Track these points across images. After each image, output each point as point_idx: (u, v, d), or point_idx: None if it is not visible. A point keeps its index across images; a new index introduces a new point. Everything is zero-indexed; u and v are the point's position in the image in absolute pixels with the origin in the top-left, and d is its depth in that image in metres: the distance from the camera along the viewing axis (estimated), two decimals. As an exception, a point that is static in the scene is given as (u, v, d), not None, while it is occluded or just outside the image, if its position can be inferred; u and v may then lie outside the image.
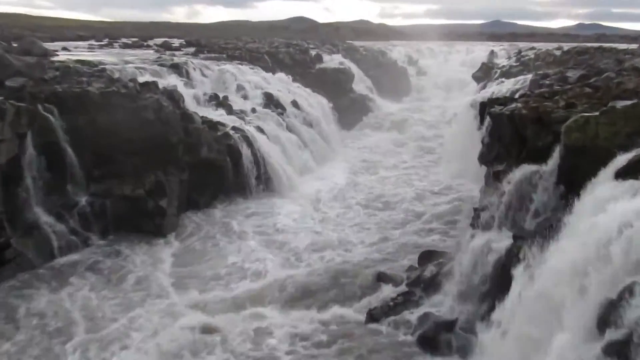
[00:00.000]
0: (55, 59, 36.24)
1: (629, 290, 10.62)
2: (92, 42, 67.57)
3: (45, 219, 24.49)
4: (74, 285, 22.16)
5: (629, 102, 18.54)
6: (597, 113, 17.93)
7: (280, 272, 23.62)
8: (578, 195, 15.15)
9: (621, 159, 14.59)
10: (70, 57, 39.53)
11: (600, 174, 14.96)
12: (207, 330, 19.15)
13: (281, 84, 47.36)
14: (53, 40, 61.02)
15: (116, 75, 32.77)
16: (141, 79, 33.07)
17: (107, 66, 34.65)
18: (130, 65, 37.52)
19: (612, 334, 10.60)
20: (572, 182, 16.86)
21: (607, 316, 10.91)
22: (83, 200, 26.20)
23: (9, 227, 22.18)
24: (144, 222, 26.90)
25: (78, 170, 26.16)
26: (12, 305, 20.27)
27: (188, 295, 21.79)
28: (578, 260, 12.64)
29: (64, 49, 48.96)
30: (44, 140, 24.85)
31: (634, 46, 65.72)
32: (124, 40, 71.43)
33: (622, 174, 14.05)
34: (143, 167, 27.46)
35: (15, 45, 40.70)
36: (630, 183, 13.43)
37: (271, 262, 24.64)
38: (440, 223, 29.13)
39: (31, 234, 23.60)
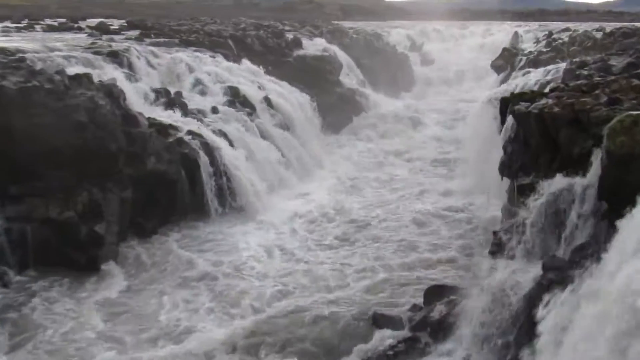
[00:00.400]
0: (-40, 45, 36.13)
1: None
2: (8, 23, 67.09)
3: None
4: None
5: (688, 98, 18.78)
6: (650, 112, 18.13)
7: (246, 316, 23.60)
8: (625, 213, 15.27)
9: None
10: (-21, 43, 39.41)
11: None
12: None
13: (250, 77, 47.39)
14: (-42, 22, 61.08)
15: (39, 66, 32.42)
16: (71, 71, 32.70)
17: (26, 55, 34.37)
18: (56, 53, 37.19)
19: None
20: (617, 199, 16.98)
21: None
22: (-4, 225, 26.09)
23: None
24: (74, 253, 26.69)
25: (-11, 188, 26.06)
26: None
27: (127, 340, 21.73)
28: (627, 299, 12.74)
29: (-28, 33, 48.93)
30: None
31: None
32: (49, 21, 71.23)
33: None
34: (74, 183, 27.34)
35: None
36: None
37: (237, 303, 24.60)
38: (451, 251, 29.13)
39: None
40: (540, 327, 15.95)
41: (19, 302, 24.20)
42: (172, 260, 28.55)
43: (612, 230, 15.56)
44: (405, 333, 21.03)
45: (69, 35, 54.11)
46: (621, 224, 14.97)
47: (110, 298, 25.18)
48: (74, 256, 26.65)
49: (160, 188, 30.87)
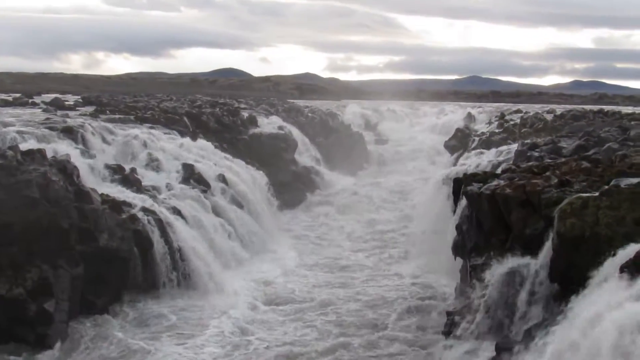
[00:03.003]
0: None
1: None
2: (-40, 98, 67.05)
3: None
4: None
5: (635, 180, 19.12)
6: (597, 194, 18.46)
7: None
8: (576, 295, 15.43)
9: (627, 252, 14.96)
10: None
11: (603, 269, 15.29)
12: None
13: (204, 154, 47.43)
14: None
15: (-9, 141, 32.47)
16: (24, 147, 32.65)
17: (-21, 130, 34.39)
18: (10, 128, 37.09)
19: None
20: (568, 280, 17.17)
21: None
22: (-57, 301, 25.71)
23: None
24: (23, 330, 26.33)
25: (-63, 264, 25.74)
26: None
27: None
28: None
29: None
30: None
31: (640, 110, 67.84)
32: (3, 96, 70.93)
33: (629, 269, 14.35)
34: (24, 260, 27.03)
35: None
36: (638, 283, 13.74)
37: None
38: (406, 332, 29.12)
39: None
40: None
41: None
42: (120, 342, 27.58)
43: (563, 310, 15.72)
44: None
45: (23, 111, 54.01)
46: (572, 304, 15.15)
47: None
48: (23, 334, 26.26)
49: (112, 265, 30.57)
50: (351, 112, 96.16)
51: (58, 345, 26.81)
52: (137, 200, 34.53)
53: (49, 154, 32.54)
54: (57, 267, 28.03)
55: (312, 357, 26.63)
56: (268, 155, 56.55)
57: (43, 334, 26.64)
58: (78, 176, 32.14)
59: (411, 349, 26.97)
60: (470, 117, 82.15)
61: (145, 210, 33.61)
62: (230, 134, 57.49)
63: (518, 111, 79.39)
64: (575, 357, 13.26)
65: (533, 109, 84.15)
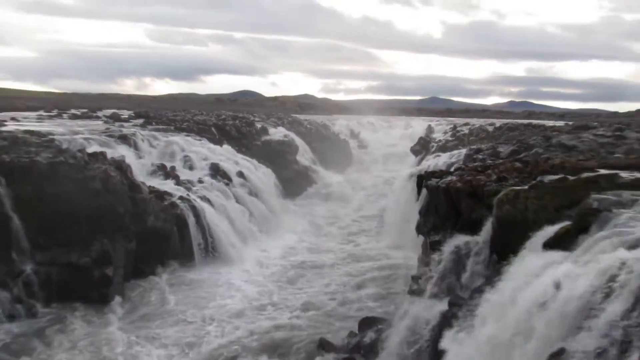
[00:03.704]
0: (3, 129, 35.75)
1: (558, 355, 10.86)
2: (42, 112, 66.57)
3: (-12, 287, 23.98)
4: (21, 354, 21.61)
5: (555, 177, 19.18)
6: (526, 187, 18.48)
7: (221, 341, 23.40)
8: (508, 264, 15.49)
9: (548, 231, 15.02)
10: (18, 127, 38.98)
11: (529, 245, 15.35)
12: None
13: (227, 155, 47.45)
14: (1, 110, 60.22)
15: (64, 145, 32.41)
16: (89, 150, 32.78)
17: (55, 136, 34.29)
18: (78, 135, 37.15)
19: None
20: (503, 252, 17.21)
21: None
22: (28, 268, 25.65)
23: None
24: (89, 290, 26.36)
25: (24, 239, 25.70)
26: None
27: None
28: (510, 326, 12.89)
29: (13, 119, 48.33)
30: (-10, 209, 24.53)
31: (560, 123, 68.00)
32: (73, 111, 70.71)
33: (549, 245, 14.45)
34: (90, 236, 27.07)
35: (-37, 115, 40.23)
36: (557, 254, 13.81)
37: (213, 331, 24.42)
38: (379, 290, 29.26)
39: (-27, 303, 23.06)
40: (446, 349, 16.07)
41: (44, 329, 23.85)
42: (165, 295, 28.38)
43: (500, 274, 15.77)
44: (343, 355, 20.96)
45: (89, 122, 53.91)
46: (506, 270, 15.21)
47: (119, 324, 24.92)
48: (89, 293, 26.31)
49: (157, 240, 30.68)
50: (339, 124, 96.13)
51: (116, 300, 27.04)
52: (176, 191, 34.68)
53: (109, 156, 32.62)
54: (115, 242, 28.08)
55: (298, 306, 26.96)
56: (276, 157, 56.53)
57: (104, 292, 26.78)
58: (131, 172, 32.23)
59: (384, 302, 27.13)
60: (430, 129, 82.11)
61: (182, 198, 33.71)
62: (247, 140, 57.46)
63: (467, 124, 79.44)
64: (509, 309, 13.32)
65: (478, 122, 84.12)
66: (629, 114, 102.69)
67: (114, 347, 23.13)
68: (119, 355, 22.38)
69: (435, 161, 42.39)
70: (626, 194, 15.71)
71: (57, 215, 26.27)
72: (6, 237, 25.07)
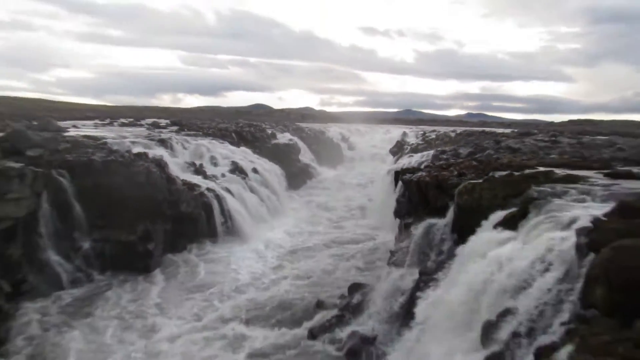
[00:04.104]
0: (66, 134, 35.70)
1: (504, 313, 10.94)
2: (97, 121, 66.41)
3: (56, 259, 24.02)
4: (80, 308, 21.80)
5: (504, 173, 19.25)
6: (481, 181, 18.52)
7: (239, 302, 23.49)
8: (467, 241, 15.55)
9: (497, 215, 15.09)
10: (78, 133, 39.00)
11: (483, 226, 15.41)
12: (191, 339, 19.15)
13: (244, 155, 47.42)
14: (65, 119, 60.01)
15: (115, 147, 32.40)
16: (135, 150, 32.80)
17: (108, 140, 34.30)
18: (126, 139, 37.13)
19: (492, 347, 10.87)
20: (462, 232, 17.26)
21: (487, 334, 11.19)
22: (87, 244, 25.72)
23: (27, 266, 21.72)
24: (134, 261, 26.41)
25: (83, 221, 25.75)
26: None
27: (171, 316, 21.62)
28: (466, 291, 12.97)
29: (74, 126, 48.19)
30: (57, 197, 24.57)
31: (507, 131, 68.14)
32: (122, 120, 70.64)
33: (499, 226, 14.52)
34: (135, 219, 27.08)
35: (35, 123, 40.11)
36: (504, 234, 13.90)
37: (233, 294, 24.50)
38: (365, 262, 29.30)
39: (44, 271, 23.14)
40: (417, 308, 16.14)
41: (100, 291, 24.05)
42: (195, 264, 28.53)
43: (460, 250, 15.83)
44: (335, 312, 21.02)
45: (134, 129, 53.81)
46: (465, 246, 15.29)
47: (158, 288, 25.06)
48: (135, 263, 26.36)
49: (188, 222, 30.68)
50: (333, 130, 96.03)
51: (156, 270, 27.10)
52: (204, 183, 34.60)
53: (150, 155, 32.61)
54: (155, 224, 28.09)
55: (299, 274, 27.01)
56: (282, 156, 56.51)
57: (147, 263, 26.77)
58: (168, 168, 32.23)
59: (367, 271, 27.21)
60: (404, 134, 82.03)
61: (208, 189, 33.67)
62: (259, 143, 57.41)
63: (434, 131, 79.51)
64: (466, 275, 13.40)
65: (443, 129, 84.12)
66: (562, 124, 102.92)
67: (155, 297, 23.63)
68: (158, 311, 22.67)
69: (409, 160, 42.43)
70: (559, 186, 15.79)
71: (109, 202, 26.30)
72: (70, 220, 25.13)
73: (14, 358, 17.84)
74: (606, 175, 18.56)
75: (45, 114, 61.74)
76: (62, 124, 45.13)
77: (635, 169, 19.62)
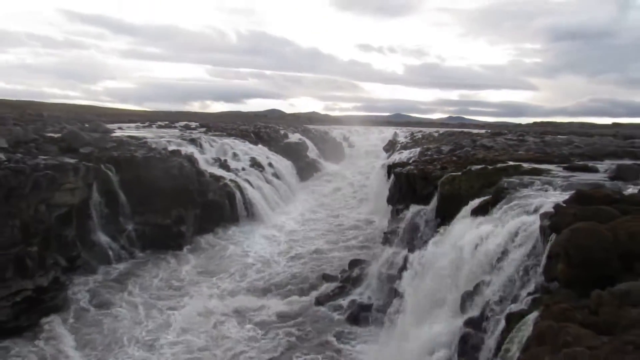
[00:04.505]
0: (113, 135, 35.75)
1: (480, 285, 10.89)
2: (138, 124, 66.47)
3: (104, 239, 24.17)
4: (125, 280, 21.91)
5: (479, 167, 19.14)
6: (460, 173, 18.42)
7: (258, 275, 23.51)
8: (448, 224, 15.48)
9: (474, 202, 15.00)
10: (123, 133, 39.02)
11: (462, 212, 15.33)
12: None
13: (261, 152, 47.31)
14: (112, 123, 60.02)
15: (154, 145, 32.41)
16: (170, 148, 32.77)
17: (147, 140, 34.29)
18: (163, 139, 37.09)
19: (469, 313, 10.83)
20: (444, 216, 17.19)
21: (466, 302, 11.15)
22: (130, 227, 25.82)
23: (80, 245, 21.79)
24: (169, 241, 26.50)
25: (127, 207, 25.82)
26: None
27: (201, 286, 21.71)
28: (448, 266, 12.91)
29: (119, 128, 48.25)
30: (105, 187, 24.62)
31: (482, 131, 67.77)
32: (159, 123, 70.60)
33: (475, 212, 14.43)
34: (170, 205, 27.12)
35: (87, 125, 40.18)
36: (479, 218, 13.81)
37: (253, 268, 24.52)
38: (363, 242, 29.26)
39: (95, 249, 23.26)
40: (406, 276, 16.13)
41: (139, 266, 24.17)
42: (221, 243, 28.51)
43: (442, 232, 15.75)
44: (338, 284, 21.03)
45: (169, 130, 53.70)
46: (446, 229, 15.21)
47: (189, 263, 25.10)
48: (170, 243, 26.42)
49: (215, 208, 30.67)
50: (336, 132, 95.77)
51: (188, 248, 27.15)
52: (227, 175, 34.58)
53: (183, 152, 32.58)
54: (187, 209, 28.12)
55: (308, 251, 26.99)
56: (293, 153, 56.36)
57: (180, 243, 26.89)
58: (197, 163, 32.25)
59: (364, 250, 27.20)
60: (396, 134, 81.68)
61: (231, 180, 33.66)
62: (274, 142, 57.23)
63: (420, 132, 79.15)
64: (448, 254, 13.34)
65: (428, 130, 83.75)
66: (528, 125, 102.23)
67: (187, 271, 23.73)
68: (191, 274, 23.10)
69: (400, 156, 42.20)
70: (526, 178, 15.69)
71: (149, 192, 26.32)
72: (115, 207, 25.18)
73: (68, 322, 17.94)
74: (565, 168, 18.42)
75: (95, 118, 61.82)
76: (110, 126, 45.18)
77: (590, 163, 19.47)
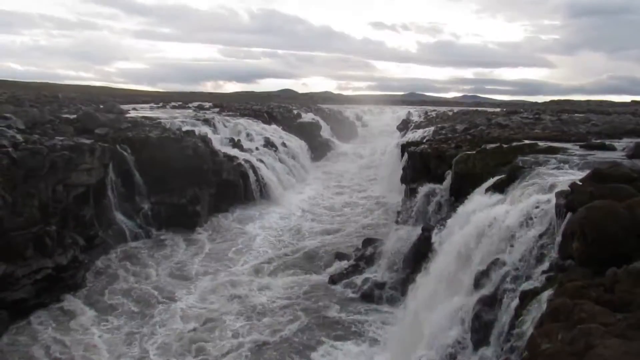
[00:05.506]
0: (128, 115, 35.96)
1: (494, 263, 10.90)
2: (152, 104, 66.71)
3: (121, 218, 24.49)
4: (143, 258, 22.35)
5: (494, 145, 19.01)
6: (474, 152, 18.33)
7: (272, 254, 23.73)
8: (462, 203, 15.45)
9: (489, 181, 14.94)
10: (137, 114, 39.28)
11: (476, 190, 15.28)
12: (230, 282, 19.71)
13: (275, 132, 47.28)
14: (127, 103, 60.33)
15: (168, 125, 32.56)
16: (184, 128, 32.86)
17: (161, 120, 34.48)
18: (177, 119, 37.26)
19: (483, 291, 10.86)
20: (458, 195, 17.16)
21: (480, 280, 11.17)
22: (146, 206, 26.12)
23: (98, 224, 22.12)
24: (185, 220, 26.75)
25: (143, 187, 26.08)
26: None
27: (215, 264, 22.07)
28: (462, 244, 12.91)
29: (134, 109, 48.49)
30: (121, 168, 24.89)
31: (497, 110, 66.98)
32: (173, 103, 70.73)
33: (490, 190, 14.38)
34: (185, 185, 27.34)
35: (102, 106, 40.44)
36: (494, 197, 13.76)
37: (267, 247, 24.74)
38: (377, 221, 29.33)
39: (112, 228, 23.60)
40: (417, 254, 16.14)
41: (156, 244, 24.51)
42: (235, 222, 28.80)
43: (456, 210, 15.74)
44: (352, 262, 21.17)
45: (183, 111, 53.86)
46: (460, 207, 15.19)
47: (205, 242, 25.35)
48: (185, 222, 26.68)
49: (229, 188, 30.87)
50: (349, 111, 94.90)
51: (203, 226, 27.42)
52: (241, 155, 34.57)
53: (197, 132, 32.67)
54: (202, 189, 28.32)
55: (321, 230, 27.11)
56: (307, 133, 56.19)
57: (195, 221, 27.14)
58: (211, 143, 32.24)
59: (377, 228, 27.24)
60: (409, 114, 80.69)
61: (245, 160, 33.72)
62: (288, 122, 57.07)
63: (434, 111, 78.30)
64: (461, 231, 13.34)
65: (442, 109, 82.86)
66: (544, 104, 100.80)
67: (203, 250, 24.06)
68: (206, 253, 23.52)
69: (413, 135, 41.99)
70: (542, 156, 15.58)
71: (164, 172, 26.51)
72: (131, 186, 25.47)
73: (88, 299, 18.34)
74: (582, 146, 18.24)
75: (109, 99, 62.10)
76: (124, 107, 45.40)
77: (607, 141, 19.22)
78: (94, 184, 21.74)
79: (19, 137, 19.35)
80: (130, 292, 18.94)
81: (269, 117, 53.90)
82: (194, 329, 16.16)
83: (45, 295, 17.25)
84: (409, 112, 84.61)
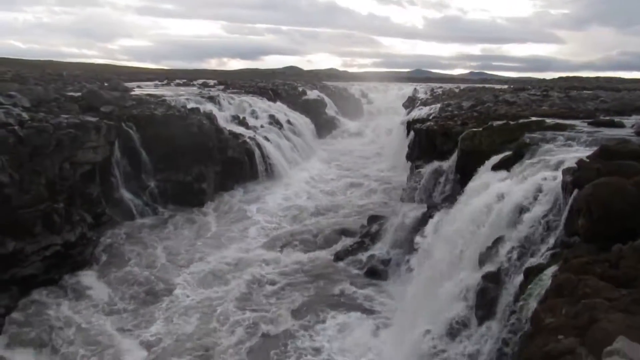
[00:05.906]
0: (132, 93, 35.80)
1: (500, 240, 10.94)
2: (156, 82, 66.37)
3: (127, 195, 24.64)
4: (150, 235, 22.53)
5: (500, 122, 18.87)
6: (481, 129, 18.22)
7: (278, 231, 23.87)
8: (468, 180, 15.44)
9: (495, 158, 14.90)
10: (142, 92, 39.07)
11: (482, 167, 15.26)
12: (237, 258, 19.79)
13: (280, 109, 47.05)
14: (131, 81, 60.11)
15: (173, 103, 32.41)
16: (189, 106, 32.72)
17: (166, 98, 34.31)
18: (181, 97, 37.06)
19: (487, 268, 10.94)
20: (464, 172, 17.13)
21: (484, 257, 11.24)
22: (152, 184, 26.22)
23: (105, 201, 22.29)
24: (191, 198, 26.89)
25: (149, 165, 26.15)
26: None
27: (221, 240, 22.29)
28: (468, 220, 12.95)
29: (138, 87, 48.25)
30: (127, 145, 24.93)
31: (504, 87, 66.35)
32: (177, 81, 70.36)
33: (496, 167, 14.36)
34: (191, 163, 27.40)
35: (106, 84, 40.31)
36: (500, 174, 13.75)
37: (273, 225, 24.89)
38: (382, 198, 29.39)
39: (119, 205, 23.77)
40: (425, 231, 16.23)
41: (163, 221, 24.71)
42: (241, 200, 28.89)
43: (462, 188, 15.74)
44: (357, 239, 21.29)
45: (188, 88, 53.55)
46: (466, 185, 15.18)
47: (211, 219, 25.57)
48: (191, 199, 26.82)
49: (234, 166, 30.90)
50: (354, 88, 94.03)
51: (209, 204, 27.56)
52: (246, 132, 34.45)
53: (202, 110, 32.53)
54: (207, 167, 28.39)
55: (329, 207, 27.20)
56: (312, 110, 55.94)
57: (201, 199, 27.27)
58: (216, 120, 32.18)
59: (382, 206, 27.30)
60: (415, 91, 80.00)
61: (250, 138, 33.63)
62: (293, 99, 56.74)
63: (440, 87, 77.67)
64: (467, 207, 13.37)
65: (448, 86, 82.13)
66: (552, 80, 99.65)
67: (209, 229, 24.22)
68: (212, 230, 23.71)
69: (419, 112, 41.65)
70: (549, 133, 15.48)
71: (169, 149, 26.54)
72: (137, 164, 25.55)
73: (97, 275, 18.59)
74: (590, 123, 18.09)
75: (114, 76, 61.90)
76: (128, 84, 45.23)
77: (616, 118, 19.06)
78: (100, 161, 21.83)
79: (25, 115, 19.36)
80: (137, 269, 19.18)
81: (273, 95, 53.57)
82: (200, 305, 16.39)
83: (54, 272, 17.50)
84: (415, 89, 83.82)
